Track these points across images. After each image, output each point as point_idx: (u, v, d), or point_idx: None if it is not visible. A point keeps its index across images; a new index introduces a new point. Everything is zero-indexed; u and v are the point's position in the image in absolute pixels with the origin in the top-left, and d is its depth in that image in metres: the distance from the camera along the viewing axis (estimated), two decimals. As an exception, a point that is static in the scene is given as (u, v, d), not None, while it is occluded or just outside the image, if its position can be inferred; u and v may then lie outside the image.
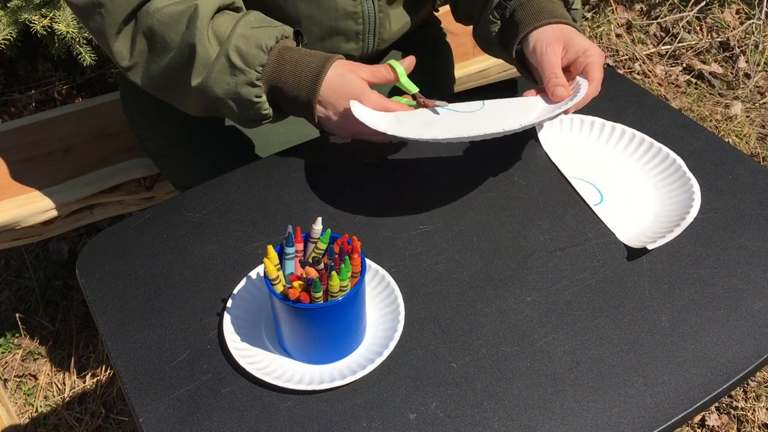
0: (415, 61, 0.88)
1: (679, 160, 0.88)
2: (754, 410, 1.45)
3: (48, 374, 1.52)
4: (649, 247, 0.77)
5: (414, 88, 0.87)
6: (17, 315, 1.61)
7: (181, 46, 0.82)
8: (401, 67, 0.86)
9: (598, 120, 0.95)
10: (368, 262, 0.76)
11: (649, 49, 2.42)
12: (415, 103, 0.88)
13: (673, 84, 2.31)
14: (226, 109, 0.86)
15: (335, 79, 0.84)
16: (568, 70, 0.86)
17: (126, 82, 1.15)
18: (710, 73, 2.32)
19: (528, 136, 0.95)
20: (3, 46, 1.40)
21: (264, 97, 0.84)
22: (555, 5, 0.89)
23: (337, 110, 0.85)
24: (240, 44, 0.82)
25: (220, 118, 1.05)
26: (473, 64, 1.51)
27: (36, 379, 1.52)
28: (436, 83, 1.20)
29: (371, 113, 0.84)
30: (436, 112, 0.85)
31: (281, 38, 0.85)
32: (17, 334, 1.59)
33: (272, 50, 0.83)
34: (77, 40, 1.42)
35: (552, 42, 0.85)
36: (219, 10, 0.84)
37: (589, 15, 2.52)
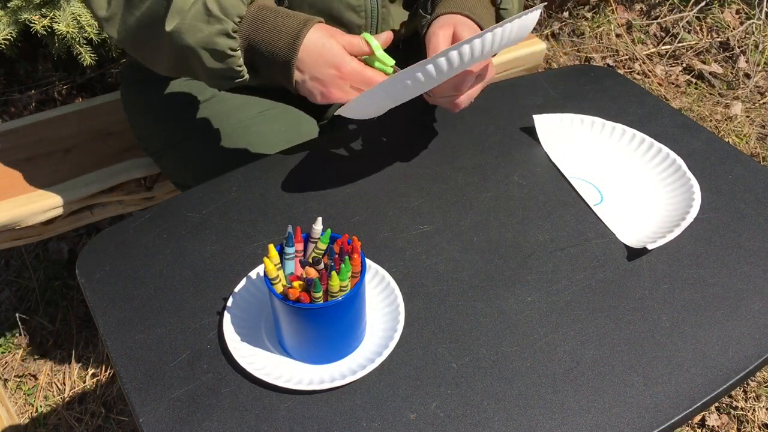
0: (392, 36, 0.87)
1: (679, 160, 0.88)
2: (754, 410, 1.45)
3: (48, 374, 1.52)
4: (649, 247, 0.77)
5: (390, 61, 0.85)
6: (17, 315, 1.61)
7: None
8: (376, 42, 0.85)
9: (598, 120, 0.95)
10: (368, 262, 0.76)
11: (649, 49, 2.42)
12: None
13: (673, 84, 2.31)
14: (197, 63, 0.82)
15: (315, 42, 0.82)
16: None
17: (126, 82, 1.15)
18: (710, 73, 2.32)
19: (528, 136, 0.95)
20: (3, 46, 1.40)
21: (239, 52, 0.81)
22: (476, 1, 0.89)
23: (314, 75, 0.83)
24: None
25: (219, 119, 1.05)
26: (473, 64, 1.51)
27: (36, 379, 1.52)
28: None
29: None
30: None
31: None
32: (17, 334, 1.59)
33: (252, 4, 0.81)
34: (77, 40, 1.42)
35: (443, 26, 0.85)
36: None
37: (589, 15, 2.53)
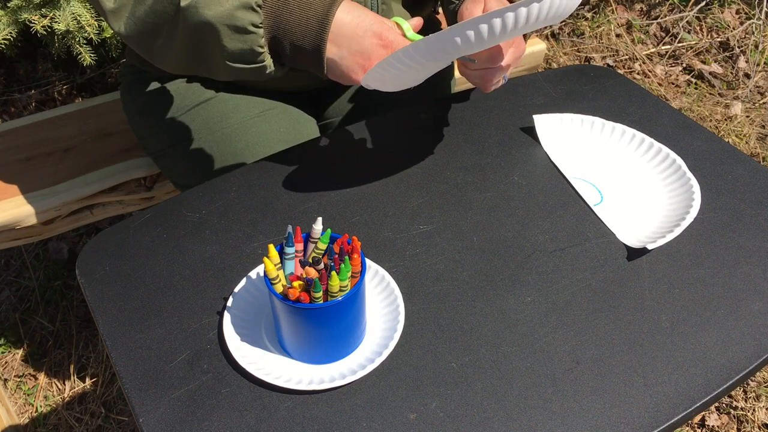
0: (422, 23, 0.83)
1: (679, 160, 0.88)
2: (754, 410, 1.45)
3: (48, 374, 1.52)
4: (649, 247, 0.77)
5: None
6: (17, 315, 1.61)
7: None
8: (407, 24, 0.80)
9: (598, 120, 0.95)
10: (368, 262, 0.76)
11: (649, 49, 2.42)
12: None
13: (673, 84, 2.31)
14: (214, 43, 0.75)
15: (351, 12, 0.75)
16: None
17: (126, 82, 1.15)
18: (710, 73, 2.32)
19: (528, 136, 0.95)
20: (3, 46, 1.39)
21: (261, 31, 0.74)
22: None
23: (354, 49, 0.75)
24: None
25: (219, 119, 1.05)
26: (473, 64, 1.51)
27: (36, 379, 1.52)
28: (437, 84, 1.20)
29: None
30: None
31: None
32: (17, 334, 1.59)
33: None
34: (77, 40, 1.42)
35: (476, 2, 0.81)
36: None
37: (589, 15, 2.52)
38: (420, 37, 0.78)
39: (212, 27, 0.73)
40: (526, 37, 0.91)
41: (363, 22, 0.76)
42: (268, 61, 0.77)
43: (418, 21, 0.82)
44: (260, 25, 0.74)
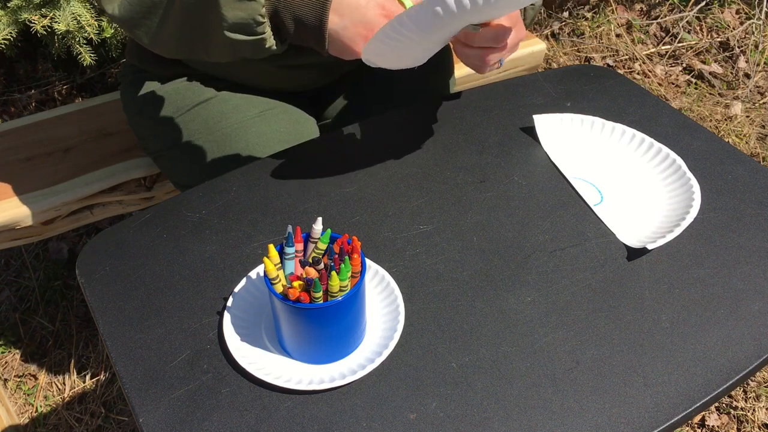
0: None
1: (679, 160, 0.88)
2: (754, 410, 1.45)
3: (48, 374, 1.52)
4: (649, 247, 0.77)
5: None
6: (17, 315, 1.61)
7: None
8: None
9: (598, 120, 0.95)
10: (368, 262, 0.76)
11: (649, 49, 2.42)
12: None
13: (673, 84, 2.31)
14: (214, 13, 0.72)
15: None
16: None
17: (126, 82, 1.15)
18: (710, 73, 2.32)
19: (528, 136, 0.95)
20: (3, 46, 1.39)
21: (262, 0, 0.72)
22: None
23: (356, 19, 0.74)
24: None
25: (219, 119, 1.05)
26: (473, 64, 1.51)
27: (36, 379, 1.52)
28: (436, 84, 1.20)
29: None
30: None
31: None
32: (17, 334, 1.59)
33: None
34: (77, 40, 1.42)
35: None
36: None
37: (589, 15, 2.52)
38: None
39: None
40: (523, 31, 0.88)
41: None
42: (268, 33, 0.75)
43: None
44: None
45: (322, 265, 0.64)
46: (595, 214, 0.83)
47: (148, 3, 0.77)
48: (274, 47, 0.77)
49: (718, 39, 2.43)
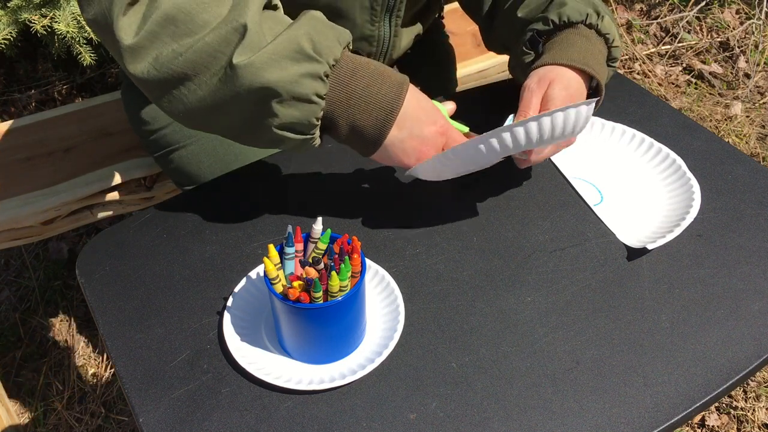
0: (456, 108, 0.84)
1: (679, 160, 0.89)
2: (754, 410, 1.45)
3: (48, 374, 1.52)
4: (649, 247, 0.77)
5: (464, 128, 0.84)
6: (17, 315, 1.61)
7: (223, 25, 0.67)
8: (445, 109, 0.82)
9: (598, 120, 0.95)
10: (368, 262, 0.76)
11: (649, 49, 2.42)
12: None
13: (673, 84, 2.31)
14: (266, 107, 0.68)
15: (416, 95, 0.74)
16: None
17: (127, 81, 1.15)
18: (710, 73, 2.32)
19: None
20: (3, 46, 1.40)
21: (324, 103, 0.69)
22: (587, 44, 0.82)
23: (414, 133, 0.73)
24: (312, 31, 0.68)
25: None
26: (473, 64, 1.51)
27: (36, 379, 1.52)
28: (439, 85, 1.20)
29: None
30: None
31: (351, 43, 0.73)
32: (17, 334, 1.59)
33: (346, 49, 0.71)
34: (77, 39, 1.42)
35: (540, 82, 0.81)
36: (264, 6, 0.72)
37: (589, 15, 2.52)
38: (460, 125, 0.83)
39: (271, 91, 0.67)
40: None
41: (426, 105, 0.75)
42: (317, 133, 0.72)
43: (453, 105, 0.84)
44: (324, 96, 0.69)
45: (322, 265, 0.64)
46: (595, 214, 0.83)
47: (178, 74, 0.69)
48: (318, 145, 0.74)
49: (718, 39, 2.43)
